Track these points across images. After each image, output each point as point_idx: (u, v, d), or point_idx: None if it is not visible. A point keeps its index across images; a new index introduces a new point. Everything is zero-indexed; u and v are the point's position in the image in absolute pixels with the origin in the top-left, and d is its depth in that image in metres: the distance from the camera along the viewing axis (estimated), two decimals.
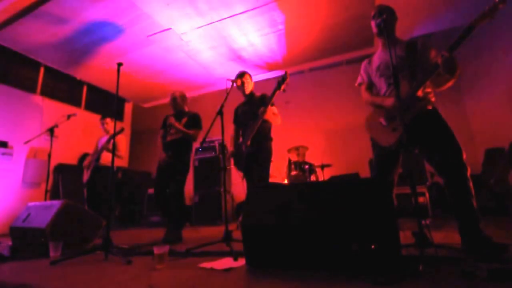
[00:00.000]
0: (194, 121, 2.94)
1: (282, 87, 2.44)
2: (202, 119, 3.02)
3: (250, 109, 2.69)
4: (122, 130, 3.20)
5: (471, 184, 1.56)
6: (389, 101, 1.79)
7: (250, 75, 2.85)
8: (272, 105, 2.60)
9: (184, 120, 2.95)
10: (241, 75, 2.78)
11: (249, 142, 2.58)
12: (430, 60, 1.73)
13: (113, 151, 2.26)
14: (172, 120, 2.92)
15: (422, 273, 1.15)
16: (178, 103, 3.01)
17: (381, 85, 1.91)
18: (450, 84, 1.69)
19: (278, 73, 5.72)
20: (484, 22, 1.47)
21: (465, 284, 1.05)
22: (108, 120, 3.84)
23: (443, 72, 1.57)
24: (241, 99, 2.89)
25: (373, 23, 1.89)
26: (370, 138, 1.94)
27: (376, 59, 1.98)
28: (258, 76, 5.69)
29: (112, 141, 2.35)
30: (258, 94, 2.82)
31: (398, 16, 1.89)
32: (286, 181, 4.56)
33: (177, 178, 2.82)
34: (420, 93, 1.71)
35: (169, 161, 2.84)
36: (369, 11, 1.99)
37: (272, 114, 2.62)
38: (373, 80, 2.00)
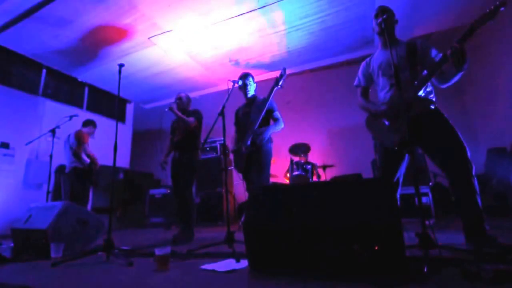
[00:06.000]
0: (194, 114, 3.05)
1: (280, 82, 2.48)
2: (204, 120, 3.07)
3: (251, 111, 2.67)
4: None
5: (476, 181, 1.56)
6: (382, 109, 1.82)
7: (253, 77, 2.82)
8: (274, 111, 2.65)
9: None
10: (244, 76, 2.76)
11: (249, 142, 2.54)
12: (432, 58, 1.72)
13: (115, 152, 2.26)
14: (173, 106, 2.96)
15: (427, 275, 1.14)
16: (183, 102, 3.13)
17: (384, 83, 1.90)
18: (456, 78, 1.65)
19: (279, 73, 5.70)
20: (485, 24, 1.45)
21: (470, 286, 1.04)
22: None
23: (452, 64, 1.55)
24: (243, 100, 2.86)
25: (374, 23, 1.89)
26: (372, 137, 1.93)
27: (377, 59, 1.98)
28: (259, 76, 5.69)
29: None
30: (260, 97, 2.77)
31: (398, 17, 1.90)
32: (287, 181, 4.55)
33: (184, 177, 2.93)
34: (421, 92, 1.70)
35: (177, 161, 2.98)
36: (369, 12, 2.00)
37: (273, 119, 2.66)
38: (375, 79, 1.99)
